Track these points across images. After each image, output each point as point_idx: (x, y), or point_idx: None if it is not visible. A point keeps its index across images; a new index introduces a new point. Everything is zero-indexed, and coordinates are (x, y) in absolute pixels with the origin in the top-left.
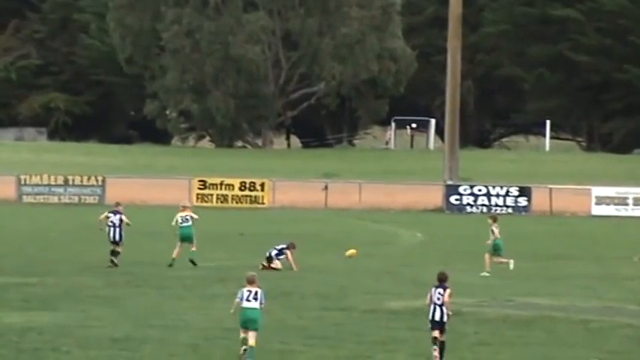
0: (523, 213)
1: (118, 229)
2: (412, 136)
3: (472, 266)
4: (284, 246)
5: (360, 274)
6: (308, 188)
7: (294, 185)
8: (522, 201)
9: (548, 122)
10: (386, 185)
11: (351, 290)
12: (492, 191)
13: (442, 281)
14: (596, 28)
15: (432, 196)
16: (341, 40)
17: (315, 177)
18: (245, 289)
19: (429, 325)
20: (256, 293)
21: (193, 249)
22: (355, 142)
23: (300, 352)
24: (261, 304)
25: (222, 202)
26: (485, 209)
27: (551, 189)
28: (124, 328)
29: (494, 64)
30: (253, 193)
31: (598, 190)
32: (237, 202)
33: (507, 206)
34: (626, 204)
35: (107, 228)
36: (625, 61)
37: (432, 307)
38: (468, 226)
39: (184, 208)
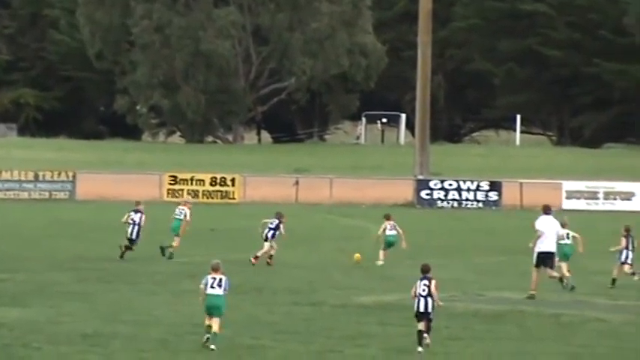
0: (494, 207)
1: (136, 227)
2: (383, 131)
3: (443, 261)
4: (276, 221)
5: (330, 270)
6: (279, 183)
7: (265, 180)
8: (493, 195)
9: (518, 117)
10: (356, 180)
11: (321, 285)
12: (463, 186)
13: (426, 272)
14: (566, 22)
15: (402, 190)
16: (311, 35)
17: (285, 172)
18: (209, 276)
19: (415, 318)
20: (220, 280)
21: (174, 243)
22: (326, 137)
23: (271, 347)
24: (225, 290)
25: (192, 197)
26: (456, 204)
27: (521, 183)
28: (94, 323)
29: (465, 58)
30: (224, 189)
31: (568, 185)
32: (208, 198)
33: (478, 201)
34: (597, 198)
35: (127, 225)
36: (595, 55)
37: (416, 299)
38: (438, 221)
39: (185, 203)
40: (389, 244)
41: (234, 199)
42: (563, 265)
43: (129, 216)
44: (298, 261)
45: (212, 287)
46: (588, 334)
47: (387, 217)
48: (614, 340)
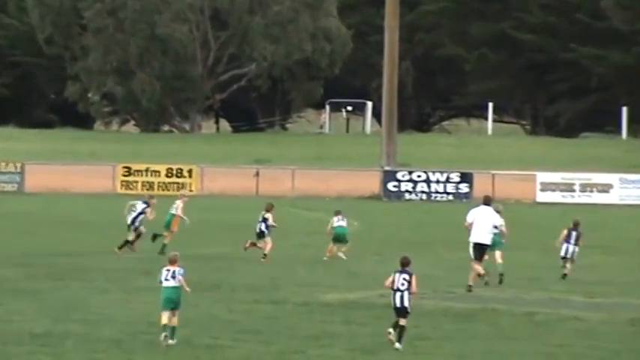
0: (464, 200)
1: (136, 216)
2: (348, 120)
3: (410, 256)
4: (265, 215)
5: (292, 266)
6: (238, 175)
7: (224, 172)
8: (464, 187)
9: (490, 104)
10: (320, 171)
11: (283, 282)
12: (432, 177)
13: (405, 265)
14: (541, 5)
15: (368, 182)
16: (273, 18)
17: (245, 163)
18: (164, 269)
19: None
20: (174, 272)
21: (165, 235)
22: (288, 126)
23: (230, 347)
24: (179, 281)
25: (147, 189)
26: (424, 196)
27: (493, 175)
28: (44, 322)
29: (434, 43)
30: (180, 180)
31: (543, 176)
32: (163, 190)
33: (448, 193)
34: (573, 190)
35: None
36: (571, 39)
37: (393, 293)
38: (406, 214)
39: (182, 196)
40: (338, 237)
41: (191, 191)
42: (497, 254)
43: (132, 205)
44: (258, 256)
45: (166, 279)
46: (564, 333)
47: (337, 213)
48: (590, 340)
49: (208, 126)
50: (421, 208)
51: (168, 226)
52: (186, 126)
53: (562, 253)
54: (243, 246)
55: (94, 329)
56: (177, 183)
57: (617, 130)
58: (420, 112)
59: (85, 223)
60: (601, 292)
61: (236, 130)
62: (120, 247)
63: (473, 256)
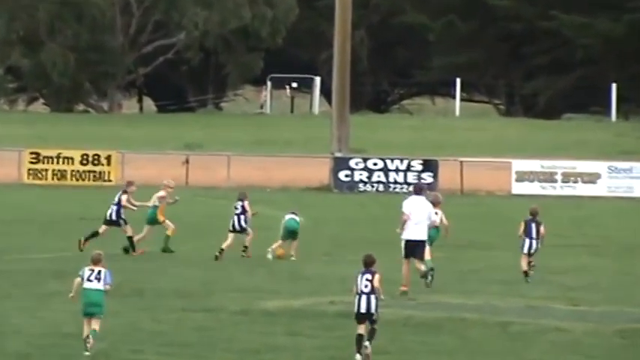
0: (428, 192)
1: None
2: (292, 98)
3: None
4: (240, 204)
5: (228, 268)
6: (165, 162)
7: (148, 158)
8: (427, 177)
9: (458, 81)
10: (260, 158)
11: (217, 287)
12: (390, 165)
13: (369, 265)
14: None
15: (316, 171)
16: None
17: (173, 148)
18: (87, 268)
19: (355, 320)
20: (99, 272)
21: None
22: (223, 105)
23: None
24: (106, 284)
25: (59, 178)
26: (382, 187)
27: (462, 162)
28: None
29: (393, 10)
30: (97, 168)
31: (519, 164)
32: (77, 179)
33: (409, 183)
34: (554, 180)
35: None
36: (551, 6)
37: (357, 297)
38: (360, 208)
39: (165, 187)
40: (288, 233)
41: (109, 181)
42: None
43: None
44: (189, 257)
45: (89, 280)
46: (544, 346)
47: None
48: (574, 355)
49: (130, 105)
50: (378, 201)
51: (153, 221)
52: (105, 105)
53: (525, 250)
54: (216, 258)
55: None
56: (94, 172)
57: (606, 111)
58: (377, 89)
59: None
60: (586, 299)
61: (162, 110)
62: (86, 239)
63: (405, 254)
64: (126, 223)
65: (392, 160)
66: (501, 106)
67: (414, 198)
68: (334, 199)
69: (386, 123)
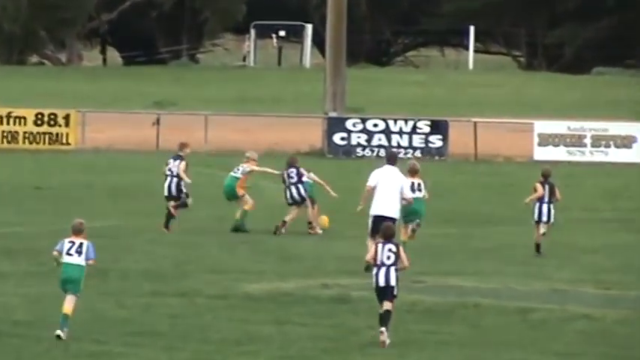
0: (437, 157)
1: (175, 180)
2: (280, 49)
3: (365, 232)
4: (294, 171)
5: (205, 246)
6: (132, 122)
7: (113, 118)
8: (435, 140)
9: (472, 29)
10: (243, 118)
11: (192, 268)
12: (393, 127)
13: (390, 237)
14: None
15: (308, 133)
16: None
17: (142, 107)
18: (67, 240)
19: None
20: (81, 245)
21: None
22: (199, 57)
23: (121, 354)
24: (88, 259)
25: (9, 142)
26: (383, 152)
27: (475, 123)
28: None
29: None
30: (54, 130)
31: (542, 126)
32: (31, 143)
33: (414, 147)
34: (583, 145)
35: (164, 177)
36: None
37: (376, 269)
38: (357, 176)
39: (250, 160)
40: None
41: (68, 144)
42: (408, 227)
43: (166, 164)
44: (160, 233)
45: (69, 254)
46: (570, 336)
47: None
48: (605, 347)
49: (92, 57)
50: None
51: (232, 195)
52: (62, 57)
53: (535, 217)
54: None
55: None
56: (50, 133)
57: None
58: (378, 38)
59: None
60: (618, 281)
61: (129, 62)
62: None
63: (371, 232)
64: (188, 196)
65: (395, 120)
66: (521, 59)
67: (385, 168)
68: (328, 166)
69: (388, 78)
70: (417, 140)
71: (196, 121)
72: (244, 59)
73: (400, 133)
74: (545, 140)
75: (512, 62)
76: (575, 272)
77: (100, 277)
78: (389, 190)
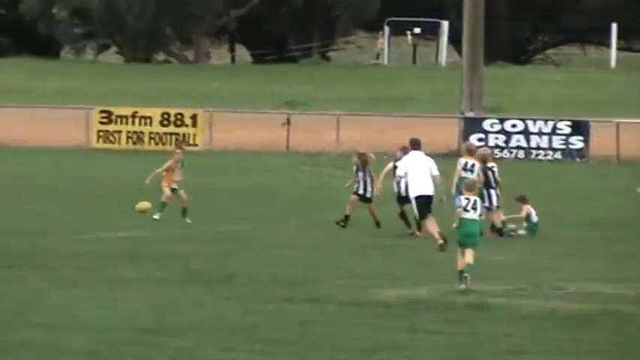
0: (577, 159)
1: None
2: (415, 47)
3: (498, 236)
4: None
5: (336, 250)
6: (262, 122)
7: (241, 118)
8: (576, 141)
9: (614, 26)
10: (376, 118)
11: (324, 273)
12: (532, 127)
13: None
14: None
15: (443, 134)
16: None
17: (271, 106)
18: (463, 197)
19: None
20: (475, 202)
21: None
22: (331, 55)
23: None
24: (480, 215)
25: (134, 142)
26: (522, 153)
27: (618, 124)
28: None
29: None
30: (181, 130)
31: None
32: (157, 143)
33: (554, 149)
34: None
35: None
36: None
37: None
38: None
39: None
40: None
41: (195, 145)
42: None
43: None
44: (290, 238)
45: (466, 210)
46: None
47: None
48: None
49: (220, 55)
50: (517, 170)
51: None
52: (189, 55)
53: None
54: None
55: (61, 337)
56: (176, 134)
57: None
58: (517, 36)
59: (48, 190)
60: None
61: (259, 60)
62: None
63: (419, 216)
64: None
65: (534, 121)
66: None
67: (411, 154)
68: None
69: (527, 76)
70: (557, 141)
71: (328, 121)
72: (378, 57)
73: (540, 134)
74: None
75: None
76: None
77: (227, 283)
78: (420, 172)
